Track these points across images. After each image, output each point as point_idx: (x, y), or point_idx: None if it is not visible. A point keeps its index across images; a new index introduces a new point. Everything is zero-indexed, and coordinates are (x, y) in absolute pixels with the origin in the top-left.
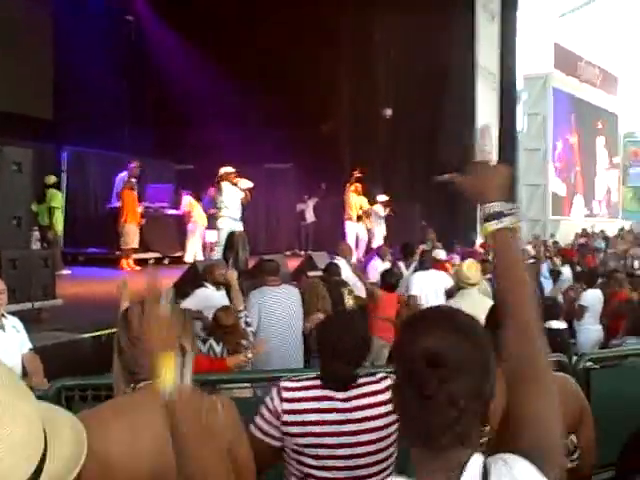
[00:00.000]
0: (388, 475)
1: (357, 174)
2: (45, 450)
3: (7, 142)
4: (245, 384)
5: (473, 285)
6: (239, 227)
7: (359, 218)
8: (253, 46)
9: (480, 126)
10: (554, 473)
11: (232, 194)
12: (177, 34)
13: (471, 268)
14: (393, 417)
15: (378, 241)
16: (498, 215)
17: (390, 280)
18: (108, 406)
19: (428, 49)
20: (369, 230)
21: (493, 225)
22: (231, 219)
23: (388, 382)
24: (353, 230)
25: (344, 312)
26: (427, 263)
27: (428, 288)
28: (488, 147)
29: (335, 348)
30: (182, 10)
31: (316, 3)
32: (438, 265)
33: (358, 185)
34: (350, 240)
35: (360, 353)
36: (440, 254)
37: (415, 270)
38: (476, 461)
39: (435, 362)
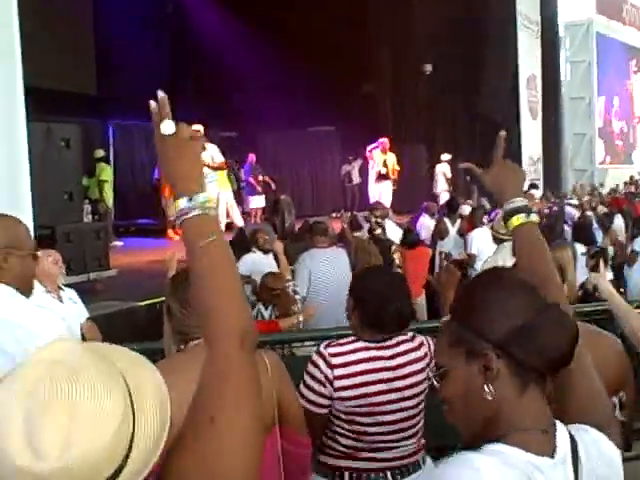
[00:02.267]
0: (421, 427)
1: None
2: (132, 436)
3: (54, 119)
4: (307, 342)
5: (510, 237)
6: None
7: (383, 177)
8: (292, 11)
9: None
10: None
11: None
12: (217, 3)
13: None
14: (426, 373)
15: (444, 198)
16: (522, 209)
17: (409, 238)
18: (159, 366)
19: (467, 1)
20: (436, 190)
21: (522, 218)
22: None
23: (419, 339)
24: (376, 191)
25: (383, 266)
26: (478, 221)
27: (485, 245)
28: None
29: (389, 292)
30: None
31: None
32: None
33: (384, 142)
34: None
35: (405, 296)
36: (467, 210)
37: (461, 227)
38: (561, 428)
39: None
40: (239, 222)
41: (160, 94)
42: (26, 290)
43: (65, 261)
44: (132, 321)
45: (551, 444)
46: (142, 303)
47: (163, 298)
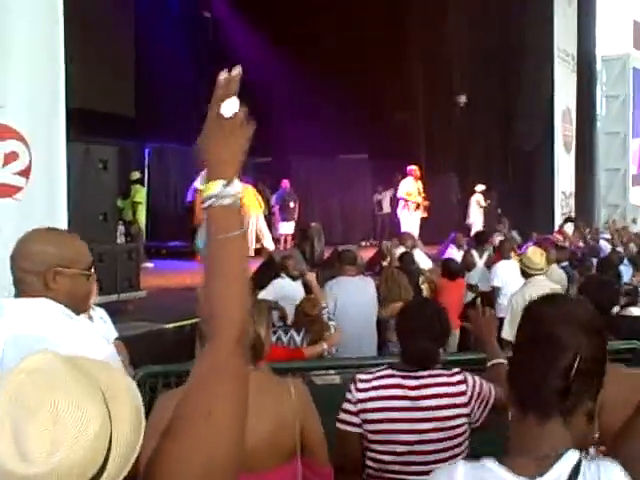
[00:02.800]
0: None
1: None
2: (111, 437)
3: (92, 140)
4: (330, 371)
5: (539, 271)
6: None
7: (415, 206)
8: (326, 40)
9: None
10: None
11: None
12: (253, 29)
13: (535, 254)
14: (464, 410)
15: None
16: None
17: (451, 268)
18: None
19: (504, 33)
20: (469, 220)
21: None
22: None
23: (460, 377)
24: (407, 221)
25: (423, 298)
26: (506, 253)
27: (510, 278)
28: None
29: (421, 327)
30: (258, 5)
31: None
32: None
33: (414, 169)
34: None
35: (443, 332)
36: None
37: (489, 259)
38: (572, 456)
39: (572, 322)
40: (270, 246)
41: (236, 70)
42: (78, 310)
43: (97, 281)
44: (160, 343)
45: (540, 468)
46: (170, 325)
47: (191, 321)
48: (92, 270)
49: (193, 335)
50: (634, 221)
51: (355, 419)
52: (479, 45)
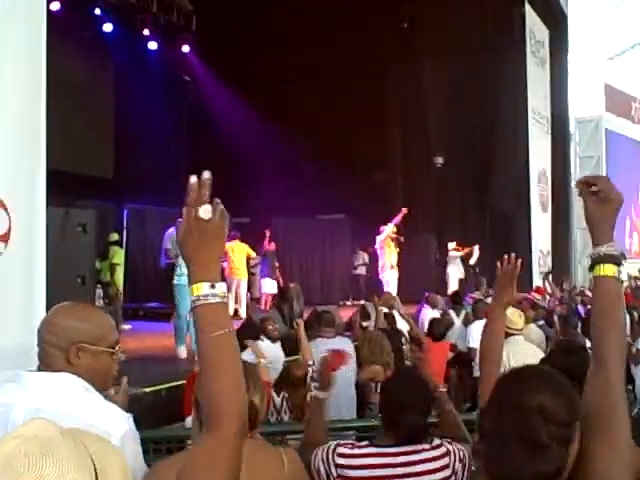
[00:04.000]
0: None
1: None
2: None
3: (71, 202)
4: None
5: (518, 331)
6: None
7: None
8: (305, 100)
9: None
10: None
11: None
12: (233, 91)
13: (514, 314)
14: (438, 475)
15: (454, 286)
16: (611, 259)
17: (438, 330)
18: (178, 457)
19: (479, 96)
20: (448, 276)
21: (610, 270)
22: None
23: (442, 449)
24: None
25: (408, 367)
26: (479, 312)
27: None
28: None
29: (407, 401)
30: (237, 68)
31: (366, 54)
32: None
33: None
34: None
35: (430, 403)
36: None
37: (466, 318)
38: None
39: (549, 417)
40: (243, 313)
41: (206, 174)
42: (100, 386)
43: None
44: (137, 407)
45: None
46: (148, 389)
47: (169, 385)
48: (117, 348)
49: (170, 399)
50: None
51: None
52: (455, 106)
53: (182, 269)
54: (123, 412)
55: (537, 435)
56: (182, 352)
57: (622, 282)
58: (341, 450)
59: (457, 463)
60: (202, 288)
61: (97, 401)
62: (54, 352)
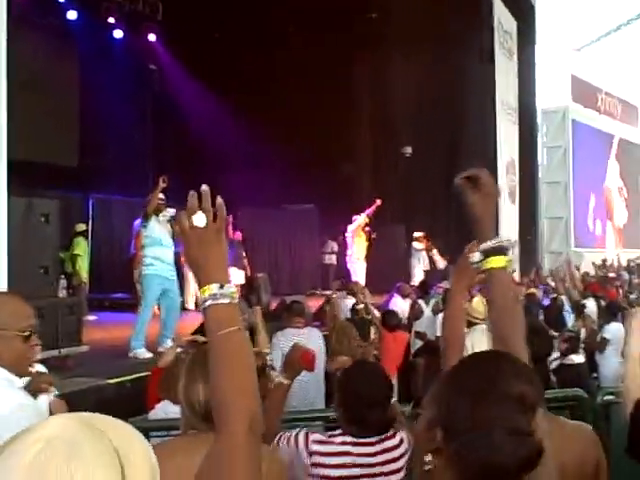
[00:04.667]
0: None
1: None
2: None
3: (35, 192)
4: None
5: (482, 320)
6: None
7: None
8: (272, 91)
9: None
10: None
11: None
12: (199, 81)
13: (479, 304)
14: (403, 473)
15: (419, 278)
16: (500, 250)
17: (390, 320)
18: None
19: (447, 86)
20: (412, 267)
21: (504, 261)
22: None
23: (400, 436)
24: (357, 270)
25: (367, 361)
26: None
27: None
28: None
29: (370, 397)
30: (203, 58)
31: (333, 46)
32: None
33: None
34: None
35: (389, 398)
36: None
37: (436, 307)
38: None
39: (528, 405)
40: None
41: (204, 187)
42: (17, 372)
43: (37, 336)
44: (101, 399)
45: None
46: (112, 381)
47: (134, 376)
48: (30, 332)
49: (135, 391)
50: (577, 268)
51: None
52: (424, 97)
53: (150, 259)
54: (21, 392)
55: (521, 424)
56: (143, 353)
57: (513, 271)
58: (316, 437)
59: (409, 450)
60: (211, 289)
61: (10, 391)
62: None
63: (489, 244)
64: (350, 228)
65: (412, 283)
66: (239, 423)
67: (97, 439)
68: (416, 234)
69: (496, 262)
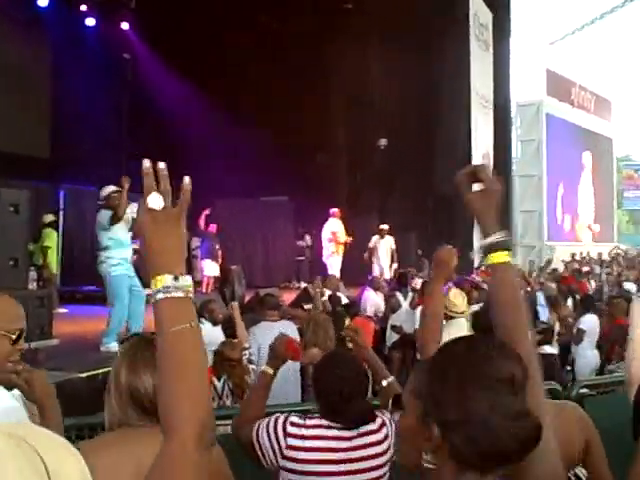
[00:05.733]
0: None
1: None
2: None
3: (4, 182)
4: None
5: (461, 314)
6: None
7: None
8: (247, 80)
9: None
10: None
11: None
12: (173, 70)
13: (457, 297)
14: (387, 457)
15: (383, 271)
16: (502, 245)
17: (349, 312)
18: (84, 444)
19: (423, 78)
20: (373, 260)
21: (505, 256)
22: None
23: (381, 420)
24: (333, 264)
25: (340, 352)
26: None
27: None
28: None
29: (346, 390)
30: (177, 47)
31: (311, 38)
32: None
33: (336, 211)
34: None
35: (365, 388)
36: (419, 283)
37: (413, 301)
38: None
39: (520, 385)
40: None
41: (161, 165)
42: None
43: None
44: (72, 393)
45: None
46: (84, 374)
47: (105, 370)
48: (19, 335)
49: (105, 384)
50: (549, 262)
51: (270, 455)
52: (399, 88)
53: (116, 259)
54: (6, 391)
55: (516, 405)
56: (114, 347)
57: (516, 267)
58: (294, 419)
59: (391, 432)
60: (163, 280)
61: None
62: None
63: (488, 240)
64: (332, 228)
65: (374, 274)
66: (188, 430)
67: (22, 452)
68: (383, 226)
69: (497, 257)
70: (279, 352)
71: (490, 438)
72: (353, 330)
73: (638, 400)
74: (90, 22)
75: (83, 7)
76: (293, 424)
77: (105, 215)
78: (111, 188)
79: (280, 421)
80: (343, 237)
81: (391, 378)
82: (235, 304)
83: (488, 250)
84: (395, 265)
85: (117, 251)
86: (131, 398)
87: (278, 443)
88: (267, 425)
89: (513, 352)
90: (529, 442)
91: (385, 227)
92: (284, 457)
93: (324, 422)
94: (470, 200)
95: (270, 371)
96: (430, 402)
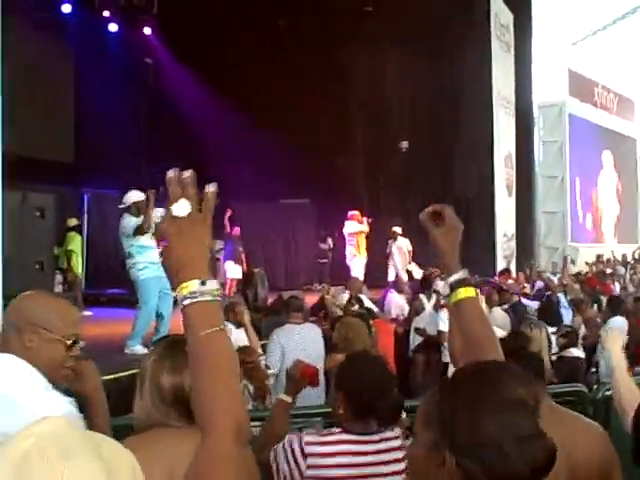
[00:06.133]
0: None
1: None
2: None
3: (30, 187)
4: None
5: None
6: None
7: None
8: (267, 85)
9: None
10: None
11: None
12: (195, 75)
13: None
14: (403, 465)
15: (399, 273)
16: (467, 281)
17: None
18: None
19: (443, 79)
20: (392, 263)
21: (470, 291)
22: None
23: (398, 429)
24: (356, 265)
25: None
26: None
27: None
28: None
29: (379, 385)
30: (199, 52)
31: (330, 40)
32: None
33: (356, 214)
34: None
35: (395, 386)
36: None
37: (437, 303)
38: None
39: (532, 408)
40: None
41: (187, 173)
42: (51, 377)
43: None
44: None
45: None
46: (108, 377)
47: (129, 372)
48: (72, 341)
49: (132, 387)
50: (572, 263)
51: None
52: (420, 89)
53: (143, 264)
54: (64, 397)
55: (528, 428)
56: (139, 349)
57: (479, 297)
58: (309, 439)
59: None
60: (191, 286)
61: (37, 386)
62: (11, 331)
63: (455, 277)
64: (349, 230)
65: (389, 279)
66: (226, 426)
67: (89, 445)
68: (397, 229)
69: (466, 292)
70: (296, 379)
71: (503, 461)
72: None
73: (637, 425)
74: (113, 28)
75: (106, 13)
76: (309, 443)
77: (129, 222)
78: (135, 194)
79: (296, 445)
80: (363, 240)
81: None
82: (245, 310)
83: (454, 286)
84: (410, 266)
85: (142, 256)
86: (174, 398)
87: (298, 467)
88: (284, 450)
89: (523, 375)
90: (542, 465)
91: (397, 229)
92: (305, 478)
93: (344, 437)
94: (434, 238)
95: (288, 399)
96: (441, 427)
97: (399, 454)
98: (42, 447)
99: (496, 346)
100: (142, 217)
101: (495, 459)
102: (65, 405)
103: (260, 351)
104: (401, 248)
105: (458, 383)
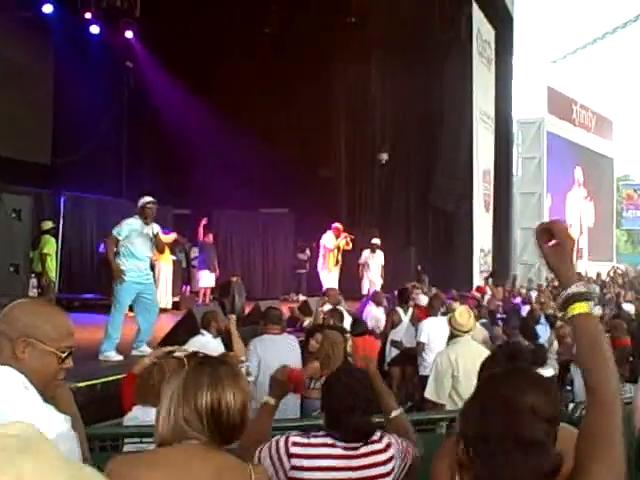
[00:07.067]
0: None
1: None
2: None
3: (5, 188)
4: None
5: (467, 332)
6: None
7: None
8: (249, 92)
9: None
10: None
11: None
12: (176, 80)
13: (463, 315)
14: (391, 478)
15: (374, 285)
16: (581, 297)
17: (355, 328)
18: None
19: (424, 93)
20: (363, 274)
21: (584, 307)
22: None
23: (386, 441)
24: (326, 277)
25: (350, 367)
26: (435, 310)
27: (437, 335)
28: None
29: (353, 402)
30: (181, 56)
31: (312, 49)
32: (423, 311)
33: (336, 226)
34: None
35: (373, 404)
36: (423, 300)
37: (414, 316)
38: None
39: (540, 415)
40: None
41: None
42: (43, 389)
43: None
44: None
45: None
46: (82, 384)
47: (104, 379)
48: (65, 354)
49: (106, 394)
50: (546, 279)
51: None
52: (401, 103)
53: (126, 266)
54: (59, 414)
55: (531, 435)
56: (113, 356)
57: (598, 317)
58: (296, 439)
59: (399, 455)
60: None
61: (33, 400)
62: (3, 342)
63: (567, 292)
64: (323, 242)
65: (363, 291)
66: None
67: (55, 447)
68: (375, 240)
69: (577, 309)
70: (280, 383)
71: (501, 459)
72: (366, 360)
73: None
74: (94, 30)
75: (87, 15)
76: (295, 444)
77: (131, 225)
78: (147, 198)
79: (281, 444)
80: (332, 257)
81: (400, 410)
82: (233, 317)
83: (568, 302)
84: (381, 281)
85: (128, 261)
86: (211, 414)
87: (282, 466)
88: (269, 449)
89: (545, 386)
90: (542, 473)
91: (377, 242)
92: (288, 478)
93: (329, 440)
94: (546, 254)
95: (272, 402)
96: (461, 418)
97: (382, 457)
98: (4, 442)
99: (606, 365)
100: (145, 222)
101: (496, 457)
102: (62, 423)
103: (242, 357)
104: (377, 260)
105: (482, 387)
